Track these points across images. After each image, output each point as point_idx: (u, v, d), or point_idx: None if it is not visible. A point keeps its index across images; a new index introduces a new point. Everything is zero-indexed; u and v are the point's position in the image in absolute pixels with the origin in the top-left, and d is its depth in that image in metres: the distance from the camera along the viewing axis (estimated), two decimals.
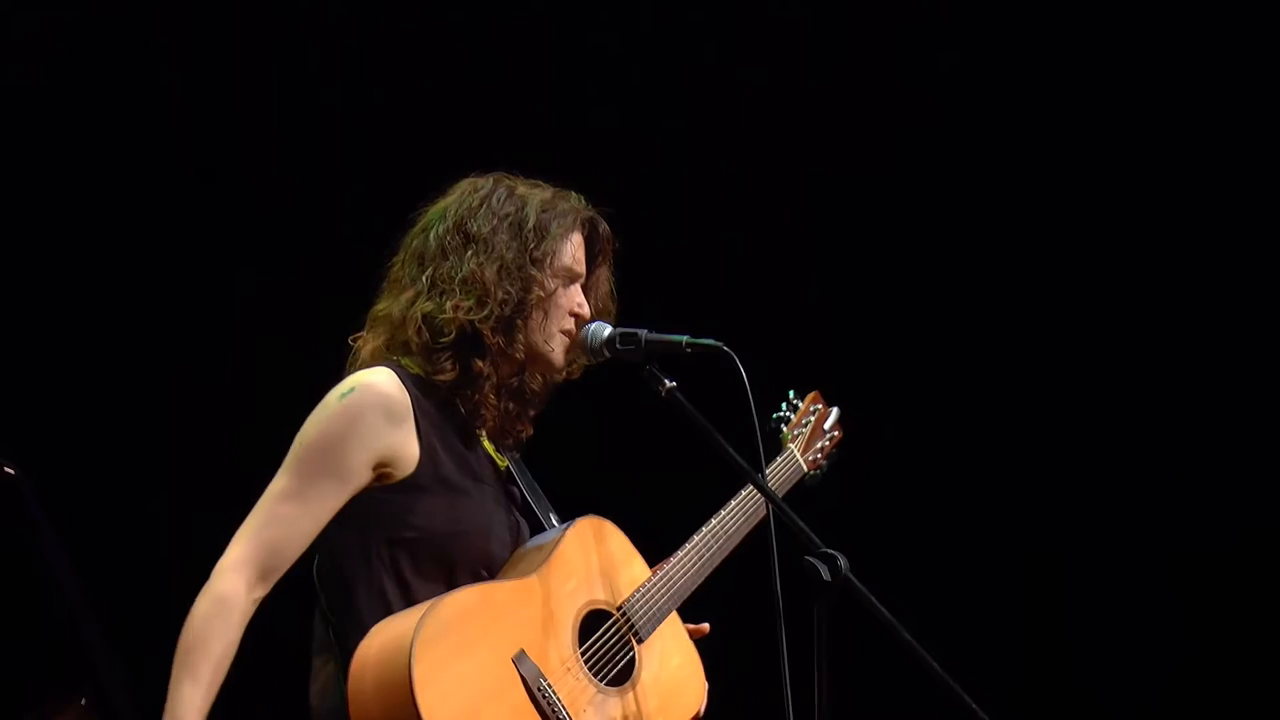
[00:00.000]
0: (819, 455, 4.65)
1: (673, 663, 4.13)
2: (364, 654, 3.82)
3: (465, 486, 4.02)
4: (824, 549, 3.78)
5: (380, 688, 3.76)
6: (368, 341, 4.09)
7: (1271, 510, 6.58)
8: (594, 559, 4.08)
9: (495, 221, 4.03)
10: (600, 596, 4.07)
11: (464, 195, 4.10)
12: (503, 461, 4.18)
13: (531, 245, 4.03)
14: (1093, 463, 6.71)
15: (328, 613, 3.95)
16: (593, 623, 4.04)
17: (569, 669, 3.96)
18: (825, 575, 3.74)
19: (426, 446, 3.98)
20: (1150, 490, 6.65)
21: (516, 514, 4.15)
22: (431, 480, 3.97)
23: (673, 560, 4.18)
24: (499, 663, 3.87)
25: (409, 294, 4.04)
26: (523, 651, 3.90)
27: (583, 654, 3.99)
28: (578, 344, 4.11)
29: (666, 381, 3.99)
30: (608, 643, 4.03)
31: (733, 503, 4.30)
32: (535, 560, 4.01)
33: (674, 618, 4.18)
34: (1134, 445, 6.69)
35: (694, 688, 4.17)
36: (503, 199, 4.07)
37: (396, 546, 3.93)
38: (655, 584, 4.12)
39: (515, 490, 4.19)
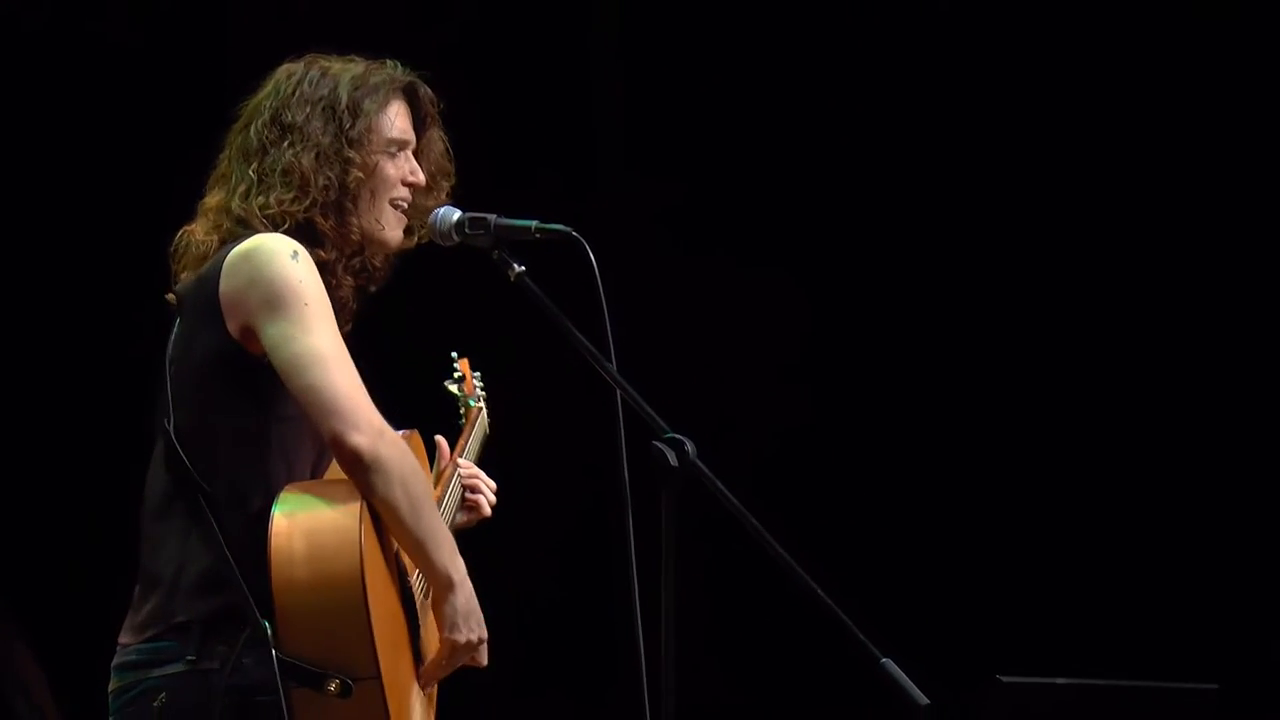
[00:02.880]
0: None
1: None
2: (289, 524, 3.75)
3: None
4: (671, 434, 3.70)
5: (317, 564, 3.71)
6: (201, 233, 4.01)
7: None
8: None
9: (309, 109, 4.03)
10: None
11: (279, 84, 4.09)
12: None
13: (347, 126, 4.02)
14: (1059, 436, 6.65)
15: (197, 479, 3.85)
16: None
17: (415, 571, 3.99)
18: (672, 461, 3.66)
19: None
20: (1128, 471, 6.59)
21: None
22: None
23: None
24: (390, 559, 3.91)
25: (242, 188, 4.02)
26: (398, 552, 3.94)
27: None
28: (428, 229, 4.09)
29: (515, 266, 3.96)
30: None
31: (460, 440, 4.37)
32: None
33: None
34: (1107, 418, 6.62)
35: None
36: (315, 82, 4.06)
37: (284, 422, 3.86)
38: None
39: None
